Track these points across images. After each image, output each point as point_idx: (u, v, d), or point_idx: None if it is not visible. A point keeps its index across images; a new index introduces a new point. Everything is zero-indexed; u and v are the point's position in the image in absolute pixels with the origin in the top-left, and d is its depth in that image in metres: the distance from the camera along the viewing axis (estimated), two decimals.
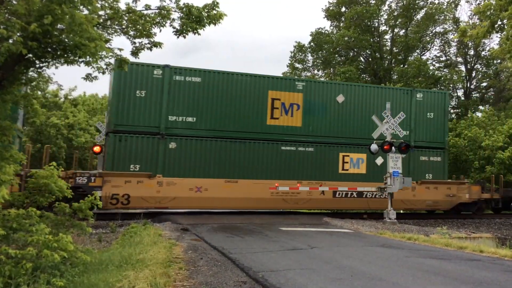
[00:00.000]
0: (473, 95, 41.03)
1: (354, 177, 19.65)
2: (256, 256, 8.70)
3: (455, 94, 41.67)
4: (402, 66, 38.40)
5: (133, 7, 9.13)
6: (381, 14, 39.39)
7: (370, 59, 40.38)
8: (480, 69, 40.61)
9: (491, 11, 15.65)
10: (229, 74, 18.62)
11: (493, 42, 50.04)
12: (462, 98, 40.56)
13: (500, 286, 6.65)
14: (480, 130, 29.71)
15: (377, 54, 39.78)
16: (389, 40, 41.12)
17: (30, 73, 8.51)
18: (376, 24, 39.99)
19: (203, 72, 18.27)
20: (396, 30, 40.78)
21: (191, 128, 17.81)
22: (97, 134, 24.99)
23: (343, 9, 40.26)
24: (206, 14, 9.29)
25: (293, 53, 41.78)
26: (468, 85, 40.52)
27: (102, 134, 20.56)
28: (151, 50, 9.85)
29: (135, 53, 10.02)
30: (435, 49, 42.58)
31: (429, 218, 20.01)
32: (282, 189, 17.99)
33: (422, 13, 39.23)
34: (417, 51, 40.71)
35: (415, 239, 12.06)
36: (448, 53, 41.28)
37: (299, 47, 41.22)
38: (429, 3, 38.79)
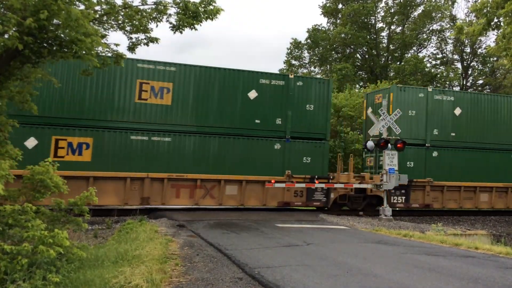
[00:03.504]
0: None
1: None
2: (252, 252, 8.72)
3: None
4: (398, 63, 38.47)
5: (129, 2, 9.10)
6: (378, 11, 39.44)
7: (366, 56, 40.44)
8: (476, 66, 40.79)
9: (488, 8, 15.69)
10: None
11: (489, 39, 50.30)
12: None
13: (495, 283, 6.69)
14: None
15: (373, 51, 39.83)
16: (385, 37, 41.18)
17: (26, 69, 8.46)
18: (373, 21, 40.03)
19: None
20: (392, 27, 40.85)
21: None
22: None
23: (340, 6, 40.26)
24: (203, 9, 9.25)
25: (289, 50, 41.78)
26: (464, 83, 40.68)
27: None
28: (147, 45, 9.85)
29: (131, 48, 10.00)
30: (432, 46, 42.88)
31: (424, 215, 20.06)
32: (278, 185, 17.79)
33: (419, 10, 39.34)
34: (414, 48, 40.83)
35: (411, 236, 12.12)
36: (445, 51, 41.44)
37: (296, 44, 41.21)
38: (426, 0, 38.86)
